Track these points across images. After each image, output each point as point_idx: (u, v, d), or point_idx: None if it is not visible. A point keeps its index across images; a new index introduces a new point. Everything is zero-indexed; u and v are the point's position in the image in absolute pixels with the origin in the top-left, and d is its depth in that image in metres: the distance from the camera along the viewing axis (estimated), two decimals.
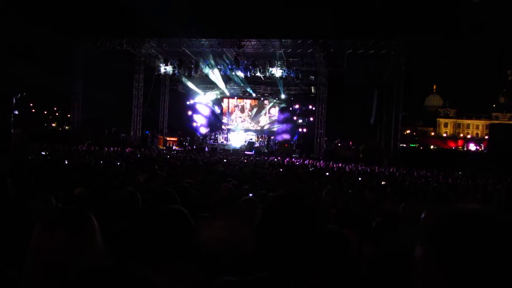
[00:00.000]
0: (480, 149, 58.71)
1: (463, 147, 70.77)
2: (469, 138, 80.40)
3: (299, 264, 1.12)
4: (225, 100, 37.31)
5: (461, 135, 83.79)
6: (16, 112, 10.23)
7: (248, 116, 37.47)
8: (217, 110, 37.50)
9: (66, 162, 10.52)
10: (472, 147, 66.61)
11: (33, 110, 65.85)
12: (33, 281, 1.45)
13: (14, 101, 9.43)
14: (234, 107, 37.56)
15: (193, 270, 1.84)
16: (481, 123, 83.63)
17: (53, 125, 64.01)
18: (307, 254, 1.12)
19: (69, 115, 32.87)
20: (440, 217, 0.73)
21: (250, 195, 5.32)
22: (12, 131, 10.01)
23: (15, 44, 30.79)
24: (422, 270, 0.71)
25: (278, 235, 1.14)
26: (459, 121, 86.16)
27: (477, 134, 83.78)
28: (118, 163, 10.42)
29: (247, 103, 37.48)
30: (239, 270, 1.39)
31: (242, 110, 37.50)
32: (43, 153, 14.55)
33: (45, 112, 73.32)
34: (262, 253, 1.17)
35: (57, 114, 73.92)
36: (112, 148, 22.30)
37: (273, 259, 1.15)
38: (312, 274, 1.12)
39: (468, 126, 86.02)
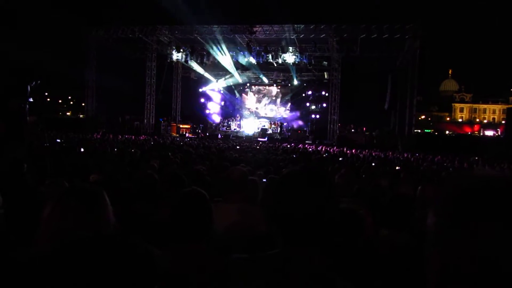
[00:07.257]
0: (496, 134, 57.66)
1: (479, 132, 69.64)
2: (485, 123, 79.12)
3: (311, 239, 1.11)
4: (239, 87, 37.19)
5: (477, 120, 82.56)
6: (31, 100, 10.32)
7: (260, 102, 37.39)
8: (230, 97, 37.42)
9: (82, 150, 10.63)
10: (489, 132, 65.38)
11: (48, 99, 66.54)
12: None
13: (29, 88, 9.51)
14: (249, 92, 37.49)
15: (206, 252, 1.84)
16: (497, 107, 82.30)
17: (68, 113, 64.68)
18: (319, 230, 1.11)
19: (83, 104, 33.15)
20: (454, 183, 0.70)
21: (264, 180, 5.34)
22: (28, 118, 10.10)
23: (29, 31, 30.86)
24: (434, 237, 0.68)
25: (290, 209, 1.13)
26: (475, 106, 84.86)
27: (493, 119, 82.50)
28: (133, 150, 10.48)
29: (260, 89, 37.36)
30: (251, 251, 1.38)
31: (255, 96, 37.43)
32: (59, 140, 14.75)
33: (60, 101, 74.07)
34: (273, 229, 1.16)
35: (71, 102, 74.67)
36: (126, 136, 22.47)
37: (285, 235, 1.15)
38: (322, 251, 1.11)
39: (484, 111, 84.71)
